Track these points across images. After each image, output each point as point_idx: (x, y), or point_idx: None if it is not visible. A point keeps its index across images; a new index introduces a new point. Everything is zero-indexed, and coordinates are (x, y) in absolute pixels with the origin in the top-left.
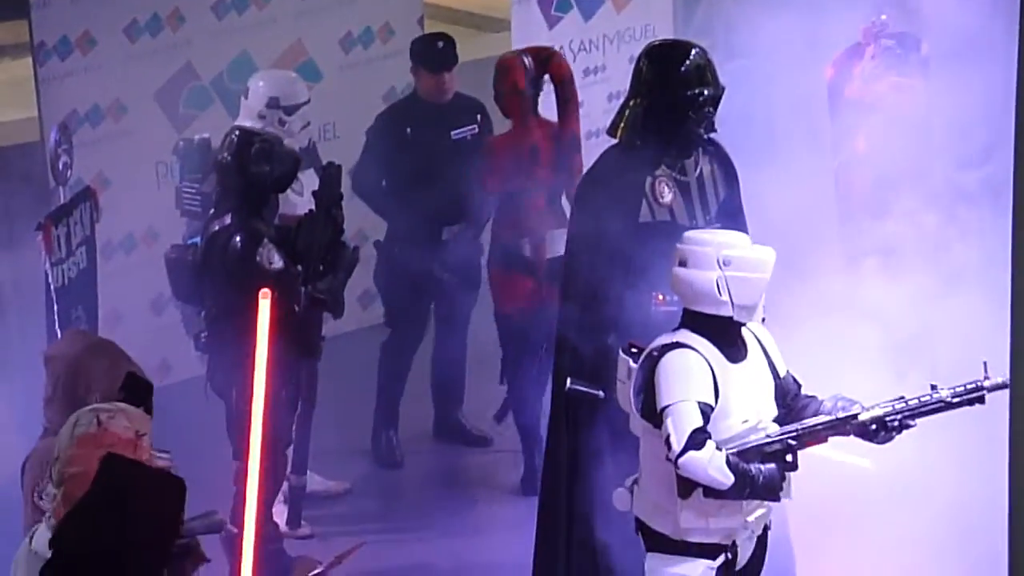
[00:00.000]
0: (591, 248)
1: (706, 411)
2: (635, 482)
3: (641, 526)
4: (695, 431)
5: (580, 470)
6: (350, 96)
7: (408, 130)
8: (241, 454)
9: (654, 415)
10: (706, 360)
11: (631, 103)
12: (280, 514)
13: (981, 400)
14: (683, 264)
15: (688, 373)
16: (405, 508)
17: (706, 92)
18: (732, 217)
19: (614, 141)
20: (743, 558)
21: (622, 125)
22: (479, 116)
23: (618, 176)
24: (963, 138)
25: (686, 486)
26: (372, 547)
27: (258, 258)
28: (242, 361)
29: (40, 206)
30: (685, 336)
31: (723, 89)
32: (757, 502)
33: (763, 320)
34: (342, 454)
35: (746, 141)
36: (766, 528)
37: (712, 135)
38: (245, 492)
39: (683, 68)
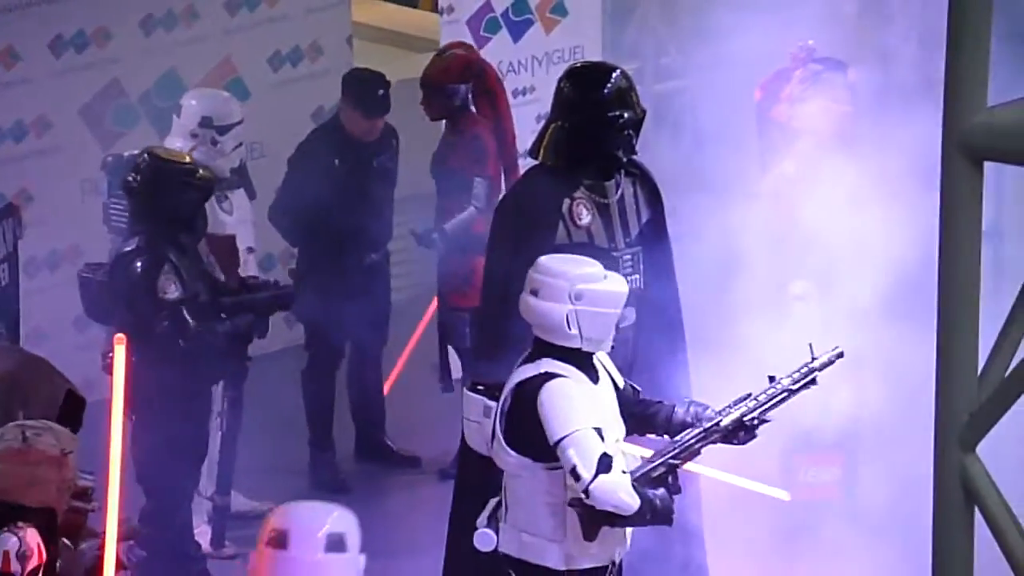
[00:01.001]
0: (507, 268)
1: (601, 435)
2: (491, 519)
3: (512, 563)
4: (602, 456)
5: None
6: (278, 114)
7: (336, 162)
8: (139, 477)
9: (533, 449)
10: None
11: (552, 125)
12: (204, 534)
13: (814, 381)
14: (535, 293)
15: (575, 401)
16: None
17: (626, 115)
18: (656, 240)
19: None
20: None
21: (543, 146)
22: (394, 141)
23: (536, 197)
24: (890, 162)
25: (591, 527)
26: None
27: (158, 285)
28: (141, 384)
29: None
30: (552, 365)
31: (644, 112)
32: None
33: (612, 348)
34: (268, 473)
35: (675, 162)
36: None
37: (636, 157)
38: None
39: (604, 91)
